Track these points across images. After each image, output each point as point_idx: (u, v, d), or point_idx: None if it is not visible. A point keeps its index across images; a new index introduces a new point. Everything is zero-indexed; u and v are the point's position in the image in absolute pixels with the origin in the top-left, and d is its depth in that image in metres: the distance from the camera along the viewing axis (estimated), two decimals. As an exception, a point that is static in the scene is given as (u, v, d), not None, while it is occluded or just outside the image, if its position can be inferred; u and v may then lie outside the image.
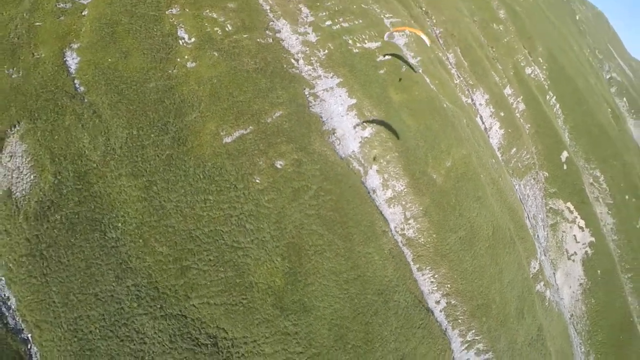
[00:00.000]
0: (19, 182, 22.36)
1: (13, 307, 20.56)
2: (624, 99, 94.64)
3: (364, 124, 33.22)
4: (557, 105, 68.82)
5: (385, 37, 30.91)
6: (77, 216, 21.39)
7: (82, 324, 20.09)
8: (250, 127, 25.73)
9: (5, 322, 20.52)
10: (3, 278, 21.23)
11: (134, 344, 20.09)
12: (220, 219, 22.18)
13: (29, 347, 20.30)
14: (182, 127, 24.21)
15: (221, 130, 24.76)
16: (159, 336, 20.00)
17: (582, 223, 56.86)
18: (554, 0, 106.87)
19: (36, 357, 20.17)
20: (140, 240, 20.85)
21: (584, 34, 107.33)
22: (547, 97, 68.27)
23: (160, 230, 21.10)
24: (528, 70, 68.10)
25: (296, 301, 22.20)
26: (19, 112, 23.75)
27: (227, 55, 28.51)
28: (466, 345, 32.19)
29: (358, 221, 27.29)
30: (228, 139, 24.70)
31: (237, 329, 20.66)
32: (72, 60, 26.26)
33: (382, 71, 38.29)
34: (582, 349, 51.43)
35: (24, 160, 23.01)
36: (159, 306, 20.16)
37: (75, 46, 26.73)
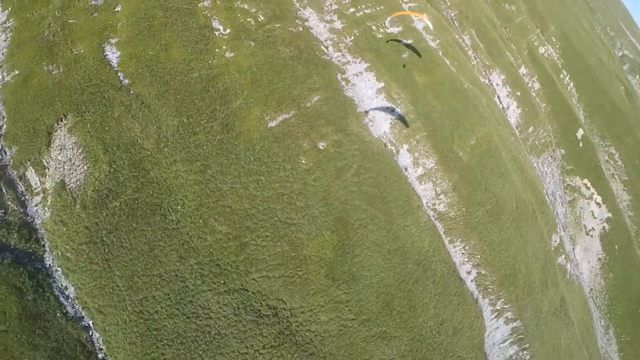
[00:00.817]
0: (72, 173, 23.37)
1: (72, 295, 21.33)
2: (637, 76, 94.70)
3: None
4: (571, 84, 69.55)
5: (386, 22, 29.99)
6: (136, 202, 22.43)
7: (148, 305, 21.02)
8: (292, 111, 27.24)
9: (64, 311, 21.01)
10: (60, 268, 21.97)
11: (200, 320, 21.18)
12: (272, 197, 23.81)
13: (90, 334, 20.85)
14: (229, 113, 25.68)
15: (265, 115, 26.29)
16: (223, 310, 21.38)
17: (599, 199, 58.06)
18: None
19: (98, 342, 20.81)
20: (200, 221, 22.37)
21: (594, 12, 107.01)
22: (561, 76, 69.02)
23: (218, 210, 22.69)
24: (542, 50, 68.76)
25: (346, 271, 23.90)
26: (65, 106, 24.83)
27: (262, 45, 29.87)
28: (496, 313, 33.84)
29: (395, 196, 28.89)
30: (273, 123, 26.24)
31: (295, 299, 22.32)
32: (113, 55, 27.46)
33: (405, 55, 39.52)
34: (602, 323, 53.03)
35: (75, 152, 23.94)
36: (222, 282, 21.63)
37: (113, 41, 27.97)
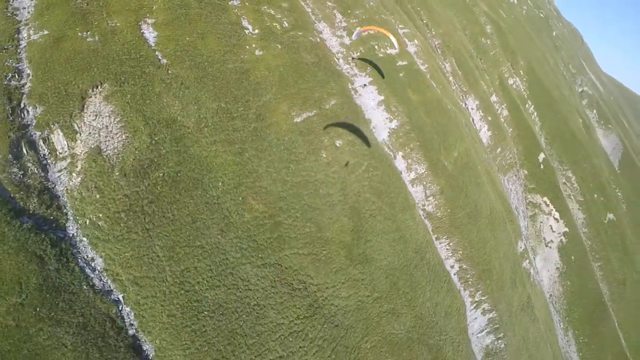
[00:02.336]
0: (109, 140, 23.47)
1: (99, 267, 20.69)
2: (594, 110, 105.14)
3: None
4: (535, 113, 77.45)
5: (353, 35, 29.89)
6: (178, 174, 23.42)
7: (190, 276, 21.45)
8: (314, 111, 31.10)
9: (91, 284, 20.15)
10: (85, 238, 21.19)
11: (240, 292, 22.28)
12: (300, 183, 27.30)
13: (120, 308, 20.22)
14: (261, 105, 28.97)
15: (292, 111, 29.97)
16: (261, 282, 23.23)
17: (557, 215, 64.87)
18: (533, 17, 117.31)
19: (129, 317, 20.21)
20: (240, 198, 25.01)
21: (559, 50, 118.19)
22: (527, 105, 76.79)
23: (255, 190, 25.70)
24: (511, 81, 76.46)
25: (360, 254, 27.57)
26: (102, 73, 25.05)
27: (288, 48, 33.64)
28: (475, 305, 38.28)
29: (397, 193, 33.13)
30: (298, 119, 29.96)
31: (320, 275, 25.49)
32: (150, 34, 28.78)
33: (401, 74, 44.58)
34: (562, 325, 58.93)
35: (112, 120, 24.00)
36: (259, 256, 23.84)
37: (150, 21, 29.35)
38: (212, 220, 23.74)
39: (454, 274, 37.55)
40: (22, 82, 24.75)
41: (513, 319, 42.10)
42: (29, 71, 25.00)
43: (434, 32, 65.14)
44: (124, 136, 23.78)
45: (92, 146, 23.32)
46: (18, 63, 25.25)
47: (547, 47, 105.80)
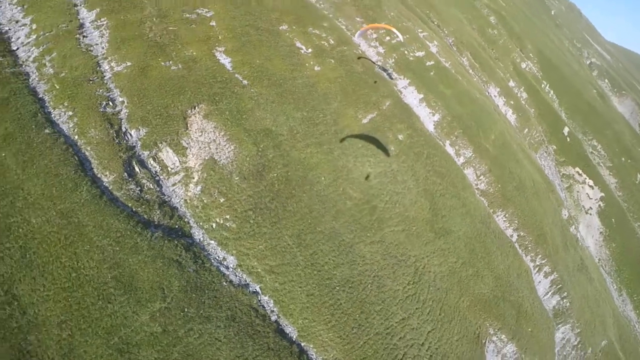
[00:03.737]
0: (220, 151, 26.62)
1: (232, 265, 22.94)
2: (605, 80, 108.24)
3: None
4: (552, 92, 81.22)
5: (356, 36, 29.11)
6: (287, 174, 26.77)
7: (317, 257, 24.50)
8: (375, 112, 35.61)
9: (229, 280, 22.13)
10: (213, 241, 23.32)
11: (360, 266, 25.47)
12: (382, 174, 31.53)
13: (259, 299, 22.30)
14: (332, 111, 33.37)
15: (358, 114, 34.47)
16: (374, 257, 26.87)
17: (590, 182, 68.03)
18: (529, 0, 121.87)
19: (269, 305, 22.35)
20: (340, 189, 28.86)
21: (560, 27, 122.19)
22: (542, 85, 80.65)
23: (350, 181, 29.70)
24: (523, 65, 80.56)
25: (441, 228, 31.62)
26: (196, 95, 28.36)
27: (340, 62, 38.30)
28: (537, 268, 41.75)
29: (455, 174, 37.28)
30: (364, 120, 34.47)
31: (415, 248, 29.50)
32: (225, 60, 32.84)
33: (432, 73, 49.14)
34: (614, 286, 61.54)
35: (217, 134, 27.13)
36: (367, 235, 27.57)
37: (221, 49, 33.52)
38: (325, 209, 27.37)
39: (515, 242, 41.21)
40: (117, 109, 27.54)
41: (572, 278, 45.39)
42: (121, 99, 27.79)
43: (446, 31, 69.84)
44: (232, 147, 27.19)
45: (206, 158, 26.33)
46: (108, 92, 28.28)
47: (549, 27, 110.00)
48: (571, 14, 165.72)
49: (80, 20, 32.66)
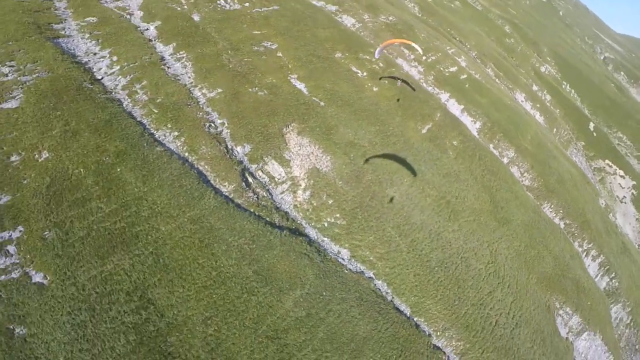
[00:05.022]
0: (321, 161, 32.04)
1: (346, 256, 27.40)
2: (622, 72, 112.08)
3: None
4: (572, 91, 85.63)
5: (376, 54, 30.84)
6: (378, 177, 32.48)
7: (416, 244, 29.48)
8: (431, 123, 40.97)
9: (348, 269, 26.37)
10: (327, 237, 27.84)
11: (449, 250, 30.44)
12: (447, 174, 36.46)
13: (375, 284, 26.22)
14: (397, 124, 38.60)
15: (418, 126, 39.85)
16: (457, 242, 31.14)
17: (621, 172, 71.72)
18: (537, 4, 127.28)
19: (383, 287, 26.69)
20: (421, 188, 33.47)
21: (570, 27, 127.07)
22: (563, 85, 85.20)
23: (426, 181, 34.30)
24: (543, 69, 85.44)
25: (502, 217, 36.37)
26: (287, 116, 33.98)
27: (392, 82, 43.96)
28: (585, 252, 45.80)
29: (503, 172, 42.17)
30: (423, 131, 39.80)
31: (485, 234, 33.84)
32: (300, 85, 38.56)
33: (467, 85, 54.49)
34: (656, 270, 64.53)
35: (314, 147, 32.36)
36: (448, 224, 32.10)
37: (294, 76, 39.32)
38: (412, 205, 32.47)
39: (563, 229, 45.51)
40: (219, 129, 32.18)
41: (618, 260, 49.14)
42: (220, 120, 32.72)
43: (468, 46, 75.47)
44: (328, 157, 32.51)
45: (310, 167, 31.32)
46: (207, 115, 33.17)
47: (560, 28, 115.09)
48: (578, 12, 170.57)
49: (160, 54, 38.48)
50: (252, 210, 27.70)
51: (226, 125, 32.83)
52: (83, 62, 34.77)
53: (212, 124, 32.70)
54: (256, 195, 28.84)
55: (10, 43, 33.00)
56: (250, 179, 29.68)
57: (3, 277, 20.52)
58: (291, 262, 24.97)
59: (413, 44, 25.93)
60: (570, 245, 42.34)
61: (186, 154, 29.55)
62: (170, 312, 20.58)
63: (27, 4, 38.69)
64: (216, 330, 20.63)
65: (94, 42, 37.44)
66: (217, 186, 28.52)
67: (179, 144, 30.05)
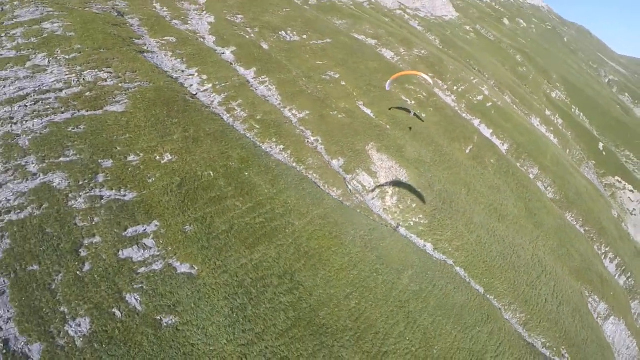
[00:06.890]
0: (400, 173, 37.98)
1: (430, 249, 33.00)
2: (626, 94, 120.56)
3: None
4: (581, 114, 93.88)
5: (387, 85, 31.97)
6: (444, 186, 39.59)
7: (480, 238, 35.69)
8: (471, 144, 48.92)
9: (437, 257, 33.39)
10: (414, 234, 33.54)
11: (503, 244, 36.68)
12: (491, 186, 44.10)
13: (455, 270, 31.67)
14: (447, 145, 46.33)
15: (462, 146, 47.78)
16: (509, 238, 37.89)
17: (630, 187, 79.09)
18: (544, 32, 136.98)
19: (461, 272, 32.30)
20: (474, 195, 41.24)
21: (575, 52, 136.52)
22: (573, 109, 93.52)
23: (478, 191, 41.98)
24: (554, 95, 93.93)
25: (536, 222, 43.85)
26: (366, 136, 40.47)
27: (436, 109, 52.08)
28: (603, 255, 52.97)
29: (531, 185, 49.86)
30: (467, 151, 47.72)
31: (526, 234, 40.87)
32: (367, 110, 45.69)
33: (493, 112, 62.73)
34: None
35: (392, 163, 38.49)
36: (500, 225, 39.41)
37: (360, 103, 46.36)
38: (471, 210, 39.45)
39: (584, 234, 52.79)
40: (314, 145, 37.30)
41: (633, 262, 56.17)
42: (314, 137, 38.06)
43: (486, 75, 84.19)
44: (405, 170, 38.63)
45: (393, 178, 37.72)
46: (303, 133, 38.28)
47: (566, 54, 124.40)
48: (582, 36, 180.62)
49: (244, 76, 42.57)
50: (358, 210, 33.59)
51: (320, 141, 37.90)
52: (174, 77, 37.75)
53: (308, 140, 37.75)
54: (358, 200, 34.15)
55: (102, 50, 35.17)
56: (350, 187, 34.90)
57: (143, 269, 21.08)
58: (400, 249, 30.85)
59: (422, 75, 27.02)
60: (591, 247, 49.59)
61: (294, 164, 34.54)
62: (317, 291, 24.03)
63: (103, 16, 41.40)
64: (357, 304, 24.55)
65: (178, 60, 40.56)
66: (328, 191, 33.63)
67: (286, 156, 34.96)
